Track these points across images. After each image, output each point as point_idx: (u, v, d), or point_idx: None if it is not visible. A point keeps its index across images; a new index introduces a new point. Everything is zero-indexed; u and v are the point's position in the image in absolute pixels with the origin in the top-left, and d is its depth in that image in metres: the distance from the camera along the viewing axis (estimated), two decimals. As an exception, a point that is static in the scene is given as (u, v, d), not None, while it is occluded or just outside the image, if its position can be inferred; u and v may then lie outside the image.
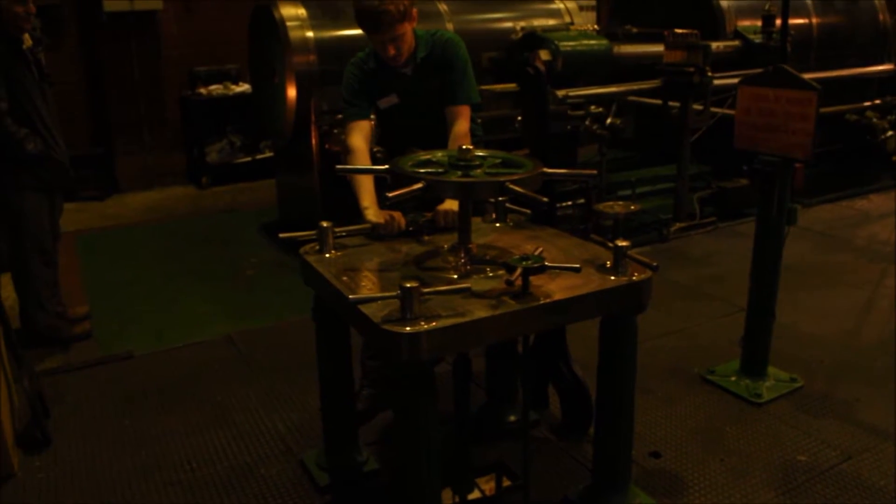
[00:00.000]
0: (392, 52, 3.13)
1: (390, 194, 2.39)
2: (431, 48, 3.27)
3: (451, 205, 2.90)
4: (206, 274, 5.66)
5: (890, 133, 7.76)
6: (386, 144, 3.69)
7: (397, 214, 2.96)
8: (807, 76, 3.56)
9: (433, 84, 3.27)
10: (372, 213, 2.98)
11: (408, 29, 3.14)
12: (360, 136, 3.27)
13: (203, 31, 8.18)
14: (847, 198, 7.23)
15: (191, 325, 4.77)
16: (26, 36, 4.09)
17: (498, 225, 3.03)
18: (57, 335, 4.45)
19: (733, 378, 3.89)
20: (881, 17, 8.31)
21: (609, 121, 5.83)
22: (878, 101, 7.71)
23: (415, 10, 3.16)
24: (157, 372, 4.16)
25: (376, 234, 2.93)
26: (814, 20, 7.78)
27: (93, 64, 7.83)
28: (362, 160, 3.19)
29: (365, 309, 2.25)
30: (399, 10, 3.03)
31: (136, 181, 8.13)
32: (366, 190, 3.04)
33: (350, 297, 2.25)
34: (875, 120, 7.73)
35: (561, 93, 5.57)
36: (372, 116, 3.42)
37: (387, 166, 2.59)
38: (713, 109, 6.02)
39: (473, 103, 3.32)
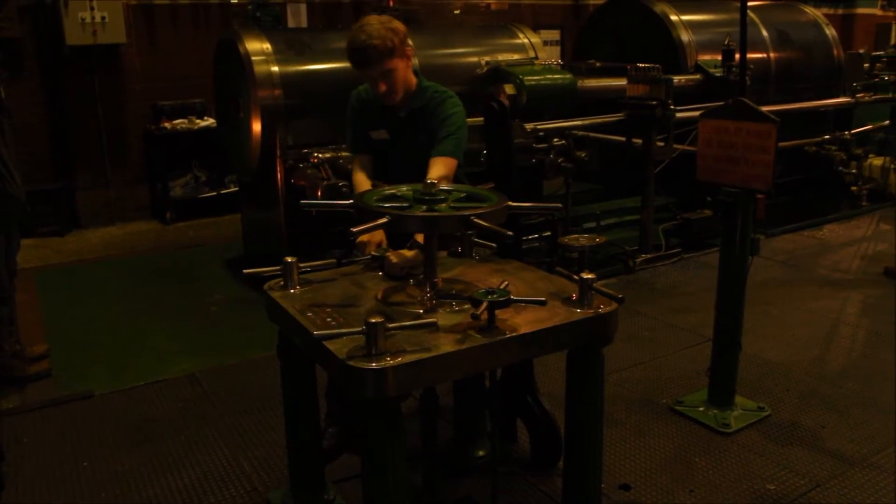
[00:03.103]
0: (383, 87, 3.13)
1: (354, 229, 2.38)
2: (429, 102, 3.27)
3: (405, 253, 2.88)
4: (170, 311, 5.57)
5: (853, 169, 7.95)
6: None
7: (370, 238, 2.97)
8: (766, 109, 3.62)
9: (423, 136, 3.25)
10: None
11: (399, 66, 3.13)
12: (360, 170, 3.35)
13: (167, 65, 8.15)
14: (808, 227, 7.36)
15: (153, 363, 4.67)
16: (-16, 70, 4.04)
17: (464, 259, 3.02)
18: (13, 374, 4.34)
19: (701, 408, 3.90)
20: (835, 51, 8.55)
21: (574, 154, 5.88)
22: (836, 134, 7.91)
23: (409, 49, 3.16)
24: (118, 412, 4.07)
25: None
26: (771, 55, 7.97)
27: (55, 97, 7.75)
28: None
29: (330, 345, 2.22)
30: (387, 45, 3.04)
31: (98, 216, 8.02)
32: None
33: (315, 332, 2.22)
34: (833, 151, 7.91)
35: (529, 126, 5.63)
36: None
37: (351, 201, 2.57)
38: (676, 146, 6.10)
39: (454, 158, 3.23)
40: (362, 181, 3.32)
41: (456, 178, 3.29)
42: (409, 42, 3.21)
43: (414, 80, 3.27)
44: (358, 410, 2.28)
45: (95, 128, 7.86)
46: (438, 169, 3.12)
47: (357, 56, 3.08)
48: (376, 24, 3.07)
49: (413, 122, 3.30)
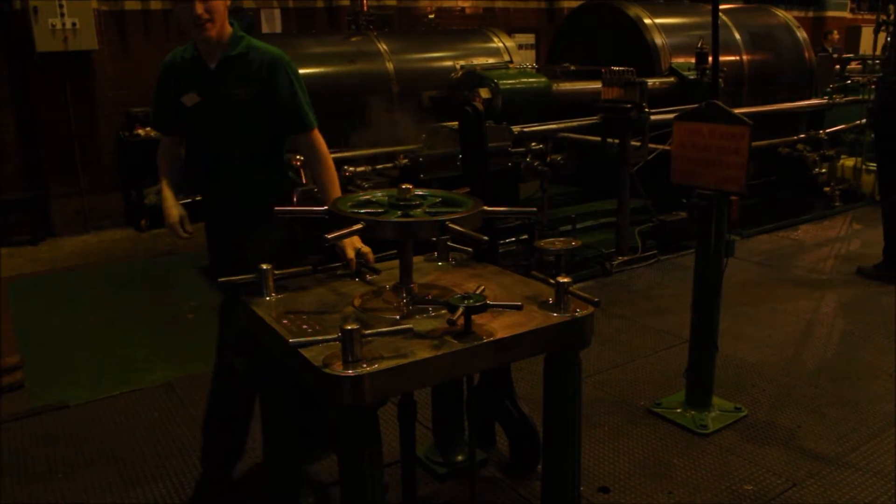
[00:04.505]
0: (201, 9, 2.95)
1: (329, 235, 2.36)
2: (248, 52, 3.12)
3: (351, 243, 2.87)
4: (145, 319, 5.51)
5: (824, 169, 8.05)
6: (190, 165, 3.53)
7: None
8: (740, 111, 3.65)
9: (239, 90, 3.11)
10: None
11: None
12: (163, 155, 3.43)
13: (140, 71, 8.07)
14: (783, 228, 7.43)
15: (129, 372, 4.62)
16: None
17: (440, 264, 3.02)
18: (-14, 387, 4.28)
19: (679, 410, 3.92)
20: (806, 54, 8.65)
21: (550, 157, 5.90)
22: (811, 133, 8.01)
23: None
24: (93, 422, 4.01)
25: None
26: (744, 57, 8.05)
27: (25, 105, 7.66)
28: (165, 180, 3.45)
29: (306, 352, 2.20)
30: None
31: (72, 225, 7.95)
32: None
33: (290, 340, 2.20)
34: (806, 152, 8.00)
35: (516, 128, 5.64)
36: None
37: (325, 207, 2.55)
38: (651, 146, 6.14)
39: (315, 126, 3.20)
40: (164, 169, 3.45)
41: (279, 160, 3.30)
42: None
43: (229, 28, 3.14)
44: (335, 417, 2.26)
45: (67, 135, 7.78)
46: (320, 147, 3.19)
47: None
48: None
49: (226, 73, 3.12)
